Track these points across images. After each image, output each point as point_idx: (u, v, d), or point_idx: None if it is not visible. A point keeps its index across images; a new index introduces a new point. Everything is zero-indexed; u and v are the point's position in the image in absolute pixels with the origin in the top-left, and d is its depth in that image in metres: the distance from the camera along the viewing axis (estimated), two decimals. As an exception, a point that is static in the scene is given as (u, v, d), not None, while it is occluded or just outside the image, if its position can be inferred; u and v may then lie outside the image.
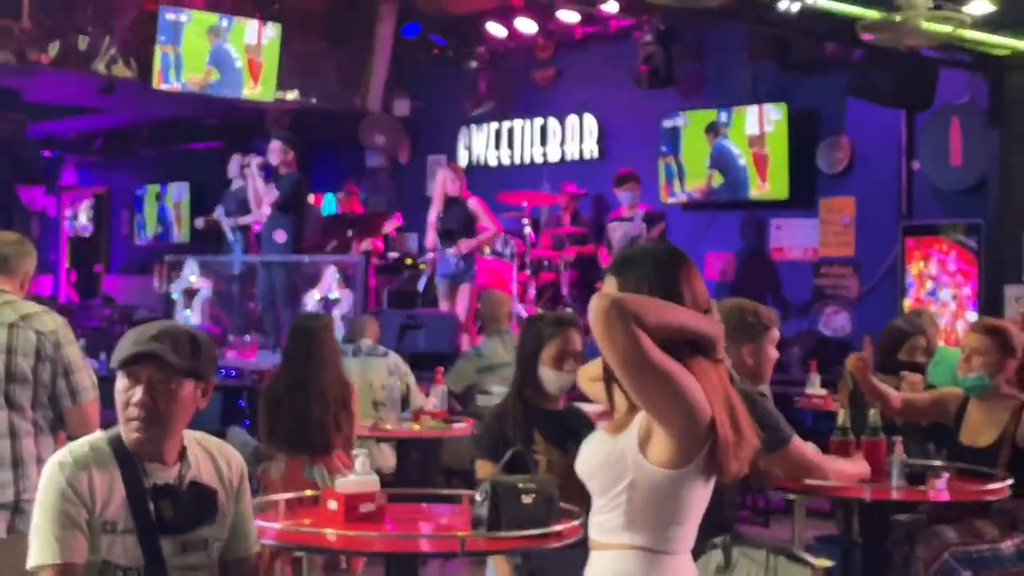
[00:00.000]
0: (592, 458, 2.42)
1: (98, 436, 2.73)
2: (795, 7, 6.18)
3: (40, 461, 3.72)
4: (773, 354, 4.00)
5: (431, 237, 9.87)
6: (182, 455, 2.74)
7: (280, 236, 10.41)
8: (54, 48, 10.34)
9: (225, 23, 10.76)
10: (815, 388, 7.37)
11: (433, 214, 9.77)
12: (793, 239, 10.32)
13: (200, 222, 11.84)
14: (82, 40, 10.52)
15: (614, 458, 2.36)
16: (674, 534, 2.38)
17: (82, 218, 17.33)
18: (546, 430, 3.82)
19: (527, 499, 3.19)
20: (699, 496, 2.37)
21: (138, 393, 2.61)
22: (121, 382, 2.63)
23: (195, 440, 2.80)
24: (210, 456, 2.81)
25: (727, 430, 2.30)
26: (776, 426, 3.77)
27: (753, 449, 2.37)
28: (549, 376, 3.83)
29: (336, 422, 5.35)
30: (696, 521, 2.41)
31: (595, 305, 2.25)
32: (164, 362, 2.60)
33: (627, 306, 2.22)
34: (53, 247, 17.19)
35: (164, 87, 10.70)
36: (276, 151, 10.43)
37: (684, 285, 2.38)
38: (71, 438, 4.04)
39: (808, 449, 3.90)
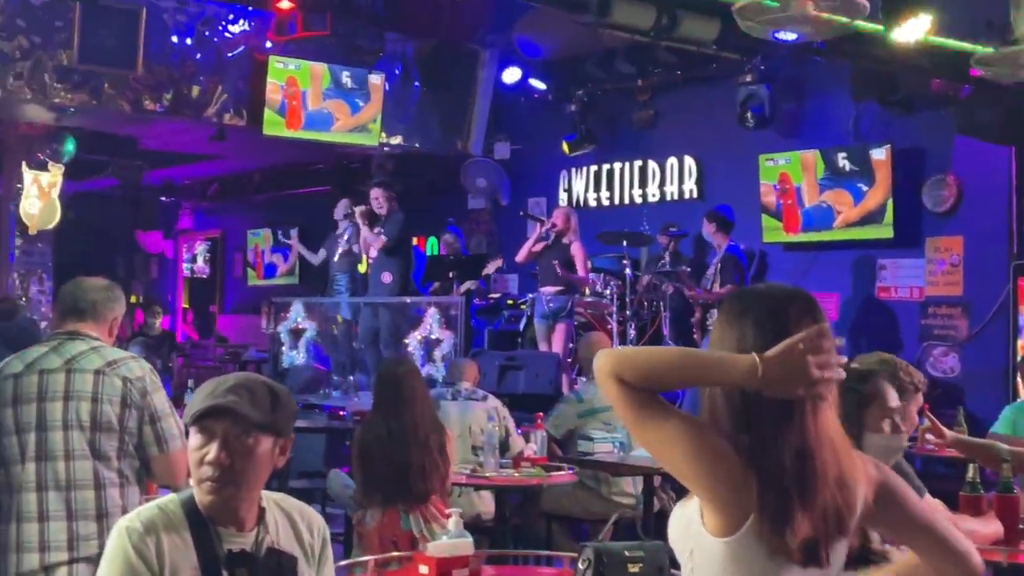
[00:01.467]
0: (674, 524, 2.18)
1: (170, 499, 2.51)
2: (905, 41, 5.77)
3: (126, 512, 3.51)
4: (915, 419, 3.49)
5: (524, 252, 9.79)
6: (260, 519, 2.51)
7: (387, 278, 10.43)
8: (168, 97, 10.32)
9: (332, 72, 10.67)
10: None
11: (536, 240, 9.72)
12: (899, 279, 9.90)
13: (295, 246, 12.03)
14: (194, 89, 10.46)
15: (683, 524, 2.13)
16: None
17: (199, 260, 17.36)
18: None
19: (634, 568, 2.86)
20: (763, 569, 2.02)
21: (213, 450, 2.41)
22: (195, 439, 2.44)
23: (274, 502, 2.57)
24: (289, 520, 2.57)
25: (771, 495, 1.99)
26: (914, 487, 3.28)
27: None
28: (876, 442, 3.01)
29: (433, 467, 5.17)
30: None
31: (594, 365, 2.07)
32: (240, 416, 2.41)
33: (613, 366, 2.00)
34: (171, 288, 17.33)
35: (273, 134, 10.61)
36: (379, 198, 10.51)
37: (767, 334, 2.04)
38: (162, 488, 3.93)
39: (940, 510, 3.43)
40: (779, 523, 1.99)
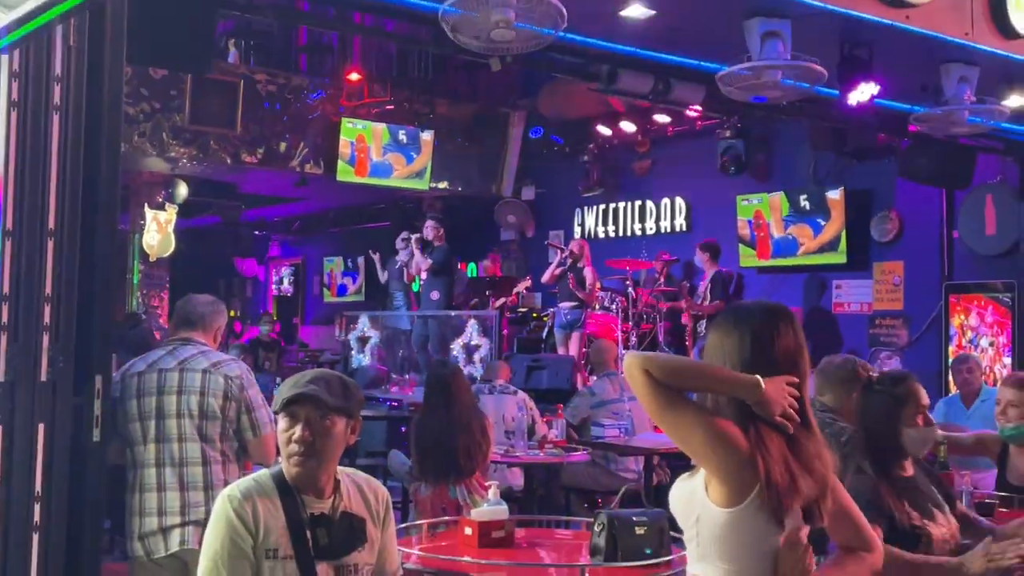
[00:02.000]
0: (677, 494, 2.15)
1: (262, 472, 2.47)
2: (856, 102, 5.68)
3: (227, 484, 3.50)
4: None
5: (548, 275, 9.51)
6: (336, 488, 2.46)
7: (434, 295, 10.23)
8: (260, 151, 10.17)
9: (391, 131, 10.47)
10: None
11: (557, 264, 9.48)
12: (851, 296, 9.68)
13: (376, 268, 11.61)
14: (282, 145, 10.31)
15: (687, 495, 2.11)
16: (737, 568, 2.03)
17: (285, 282, 17.04)
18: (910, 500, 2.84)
19: (640, 530, 2.78)
20: (762, 534, 2.01)
21: (298, 430, 2.37)
22: (283, 422, 2.40)
23: (346, 474, 2.52)
24: (359, 489, 2.52)
25: (776, 474, 1.98)
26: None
27: (811, 496, 2.02)
28: (913, 435, 2.88)
29: (476, 448, 5.05)
30: (763, 559, 2.01)
31: (624, 362, 2.08)
32: (320, 401, 2.37)
33: (641, 362, 2.01)
34: (263, 304, 16.96)
35: (344, 180, 10.48)
36: (430, 228, 10.33)
37: (760, 342, 2.07)
38: (256, 465, 3.84)
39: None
40: (787, 493, 1.98)
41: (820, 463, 2.03)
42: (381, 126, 10.34)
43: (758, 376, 1.99)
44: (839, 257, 9.50)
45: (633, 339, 9.87)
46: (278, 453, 2.43)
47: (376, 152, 10.34)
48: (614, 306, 10.02)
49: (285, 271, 17.10)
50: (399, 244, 10.89)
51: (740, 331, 2.07)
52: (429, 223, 10.29)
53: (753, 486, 1.98)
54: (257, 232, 16.22)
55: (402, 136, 10.48)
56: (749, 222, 10.13)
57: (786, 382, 2.01)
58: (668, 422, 2.02)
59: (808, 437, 2.03)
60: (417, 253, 10.20)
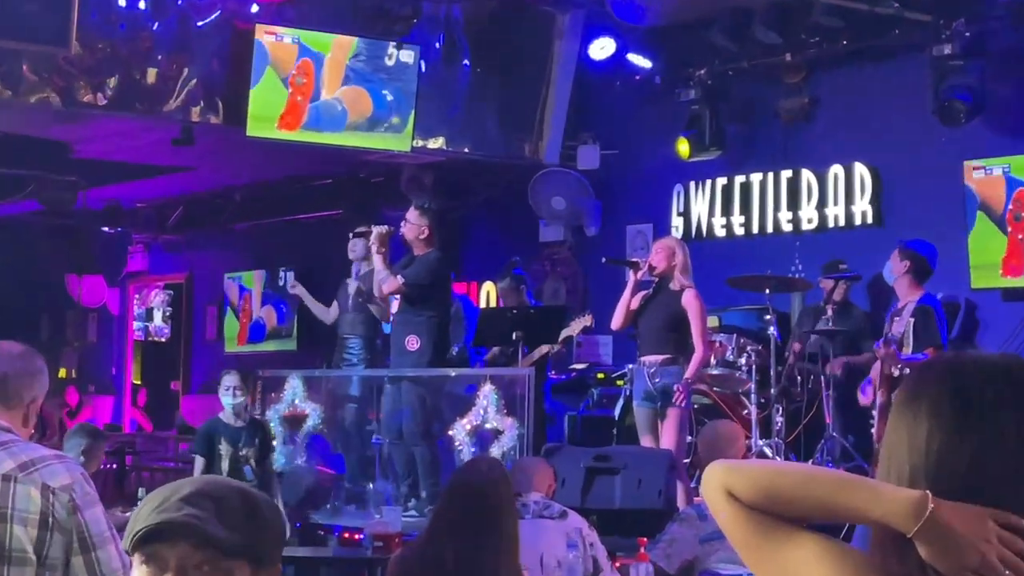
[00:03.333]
0: None
1: None
2: None
3: None
4: None
5: (620, 312, 8.66)
6: None
7: (412, 343, 8.85)
8: (112, 85, 9.22)
9: (343, 47, 9.76)
10: None
11: (633, 288, 8.56)
12: None
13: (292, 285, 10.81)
14: (150, 73, 9.34)
15: None
16: None
17: (156, 317, 15.83)
18: None
19: None
20: None
21: None
22: (139, 571, 2.06)
23: None
24: None
25: None
26: None
27: None
28: None
29: None
30: None
31: (703, 477, 1.97)
32: (203, 536, 2.00)
33: (722, 476, 1.80)
34: (116, 357, 15.76)
35: (261, 136, 9.54)
36: (411, 222, 8.93)
37: (983, 435, 1.70)
38: None
39: None
40: None
41: None
42: (327, 38, 9.79)
43: (926, 492, 1.72)
44: None
45: (777, 420, 8.93)
46: None
47: (320, 87, 9.61)
48: (743, 360, 9.05)
49: (156, 298, 15.92)
50: (351, 250, 9.90)
51: (915, 408, 1.80)
52: (411, 214, 9.08)
53: None
54: (107, 229, 14.91)
55: (364, 56, 9.79)
56: (997, 208, 9.23)
57: (996, 518, 1.71)
58: (767, 570, 1.84)
59: None
60: (379, 263, 8.85)
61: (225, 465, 8.31)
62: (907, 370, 8.49)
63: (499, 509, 4.63)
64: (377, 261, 8.96)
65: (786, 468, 1.94)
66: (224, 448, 8.36)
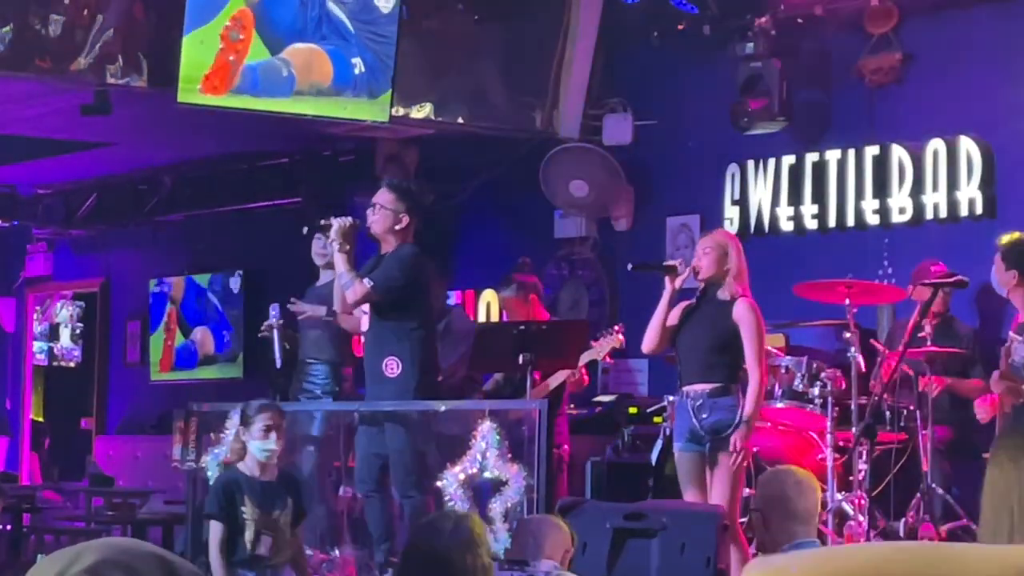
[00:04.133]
0: None
1: None
2: None
3: None
4: None
5: (651, 334, 8.16)
6: None
7: (391, 367, 8.28)
8: (5, 36, 8.84)
9: None
10: None
11: (670, 299, 8.13)
12: None
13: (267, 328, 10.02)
14: (53, 23, 8.93)
15: None
16: None
17: (63, 336, 14.99)
18: None
19: None
20: None
21: None
22: None
23: None
24: None
25: None
26: None
27: None
28: None
29: None
30: None
31: None
32: None
33: None
34: (11, 388, 14.92)
35: (196, 101, 9.16)
36: (383, 208, 8.26)
37: None
38: None
39: None
40: None
41: None
42: None
43: None
44: None
45: (860, 465, 8.36)
46: None
47: (265, 39, 9.27)
48: (815, 390, 8.62)
49: (62, 312, 15.26)
50: (317, 259, 9.30)
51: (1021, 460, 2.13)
52: (382, 195, 8.34)
53: None
54: (1, 222, 14.23)
55: (328, 5, 9.45)
56: None
57: None
58: None
59: None
60: (341, 264, 8.23)
61: (249, 534, 7.25)
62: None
63: None
64: (339, 262, 8.25)
65: (850, 554, 1.92)
66: (249, 511, 7.24)
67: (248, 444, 7.12)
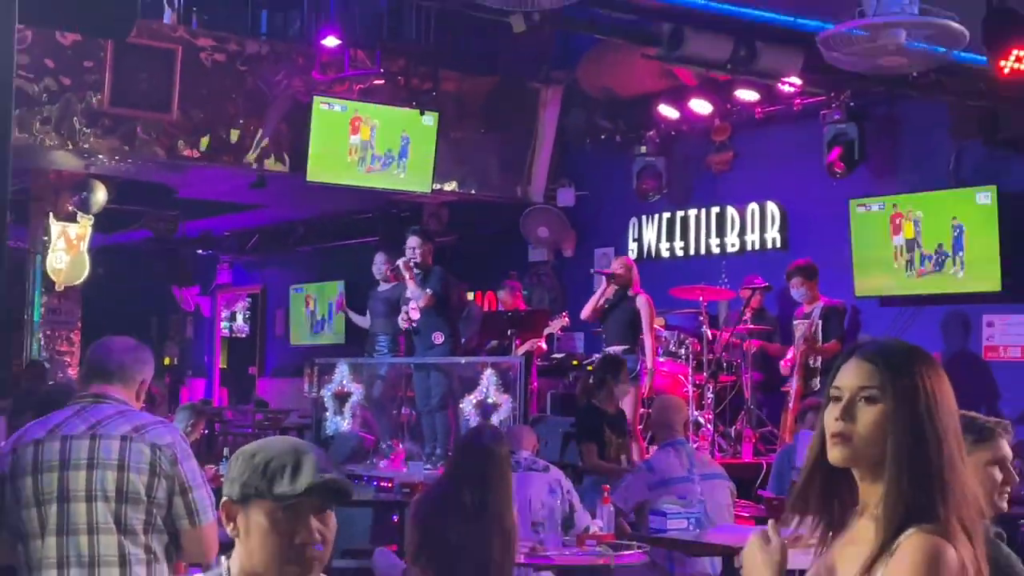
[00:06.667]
0: None
1: None
2: (1009, 71, 5.59)
3: (155, 592, 3.59)
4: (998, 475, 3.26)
5: (588, 309, 9.72)
6: None
7: (438, 338, 10.05)
8: (204, 142, 10.37)
9: (380, 113, 10.65)
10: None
11: (600, 294, 9.70)
12: (1008, 337, 9.58)
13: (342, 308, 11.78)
14: (233, 133, 10.52)
15: None
16: None
17: (238, 319, 17.19)
18: None
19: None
20: None
21: (315, 531, 2.29)
22: (283, 515, 2.28)
23: None
24: None
25: None
26: None
27: None
28: None
29: (497, 569, 4.99)
30: None
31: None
32: (347, 494, 2.34)
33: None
34: (207, 349, 17.26)
35: (317, 181, 10.60)
36: (415, 246, 10.03)
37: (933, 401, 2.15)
38: (191, 566, 4.02)
39: None
40: None
41: None
42: (369, 107, 10.61)
43: None
44: (990, 283, 9.46)
45: (708, 395, 9.95)
46: (220, 550, 2.48)
47: (360, 143, 10.67)
48: (683, 351, 10.12)
49: (239, 304, 17.32)
50: (377, 273, 10.73)
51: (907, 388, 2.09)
52: (414, 241, 9.98)
53: None
54: (201, 251, 16.45)
55: (395, 121, 10.76)
56: (874, 235, 10.19)
57: None
58: None
59: None
60: (412, 284, 9.86)
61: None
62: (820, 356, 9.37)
63: (500, 463, 5.11)
64: (411, 285, 9.79)
65: None
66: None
67: None
